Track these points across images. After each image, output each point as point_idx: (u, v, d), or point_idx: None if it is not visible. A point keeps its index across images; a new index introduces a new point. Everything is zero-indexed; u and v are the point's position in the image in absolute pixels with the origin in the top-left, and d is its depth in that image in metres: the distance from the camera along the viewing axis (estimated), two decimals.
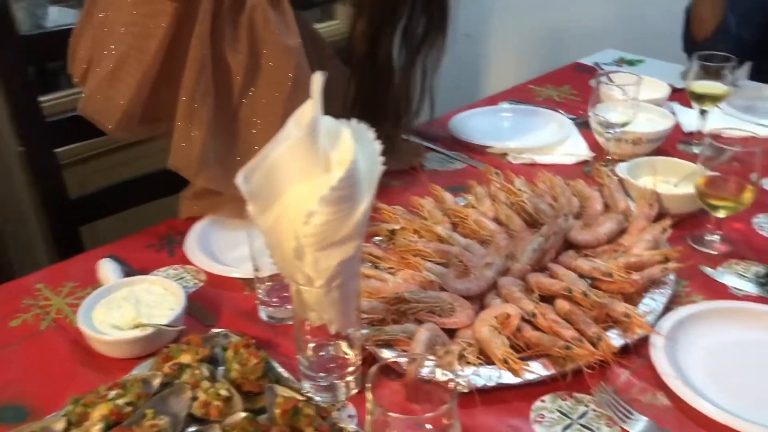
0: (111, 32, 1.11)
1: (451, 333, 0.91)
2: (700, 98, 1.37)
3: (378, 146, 0.74)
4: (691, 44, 1.67)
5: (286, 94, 1.11)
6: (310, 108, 0.72)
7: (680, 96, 1.55)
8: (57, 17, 1.81)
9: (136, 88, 1.09)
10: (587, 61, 1.92)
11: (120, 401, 0.78)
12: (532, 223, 1.13)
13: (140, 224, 1.24)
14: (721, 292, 1.01)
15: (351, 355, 0.84)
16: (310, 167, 0.72)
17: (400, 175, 1.33)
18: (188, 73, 1.07)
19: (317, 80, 0.72)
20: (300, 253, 0.73)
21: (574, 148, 1.43)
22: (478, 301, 0.96)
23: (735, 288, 1.02)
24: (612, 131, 1.30)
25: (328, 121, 0.74)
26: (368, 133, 0.76)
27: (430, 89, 1.32)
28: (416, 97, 1.32)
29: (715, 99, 1.36)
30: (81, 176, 1.81)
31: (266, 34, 1.10)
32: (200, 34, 1.06)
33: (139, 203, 1.44)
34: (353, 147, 0.71)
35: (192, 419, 0.79)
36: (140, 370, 0.86)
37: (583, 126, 1.50)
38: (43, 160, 1.31)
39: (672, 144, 1.43)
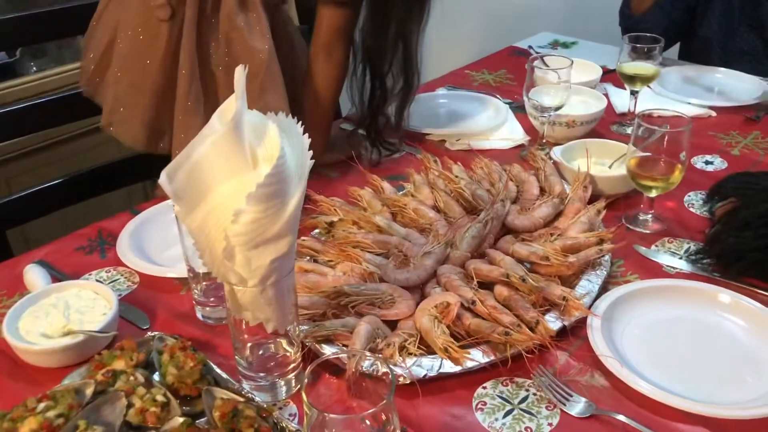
0: (118, 56, 1.21)
1: (392, 324, 0.90)
2: (632, 79, 1.39)
3: (307, 140, 0.73)
4: (629, 19, 1.70)
5: (255, 96, 1.14)
6: (234, 102, 0.70)
7: (613, 77, 1.57)
8: None
9: (150, 108, 1.21)
10: (522, 44, 1.93)
11: (50, 413, 0.75)
12: (471, 209, 1.13)
13: (69, 225, 1.20)
14: (655, 270, 1.03)
15: (291, 352, 0.83)
16: (236, 164, 0.70)
17: (337, 165, 1.32)
18: (180, 85, 1.17)
19: (240, 73, 0.70)
20: (230, 253, 0.71)
21: (510, 133, 1.44)
22: (419, 290, 0.96)
23: (668, 266, 1.04)
24: (546, 115, 1.32)
25: (254, 115, 0.72)
26: (296, 126, 0.74)
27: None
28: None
29: (645, 80, 1.39)
30: (6, 176, 1.74)
31: (235, 35, 1.17)
32: (186, 47, 1.16)
33: (68, 204, 1.39)
34: (280, 142, 0.69)
35: (128, 427, 0.77)
36: (71, 380, 0.83)
37: (519, 110, 1.51)
38: None
39: (605, 125, 1.45)
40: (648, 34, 1.38)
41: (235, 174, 0.70)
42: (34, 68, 1.85)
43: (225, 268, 0.73)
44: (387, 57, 1.28)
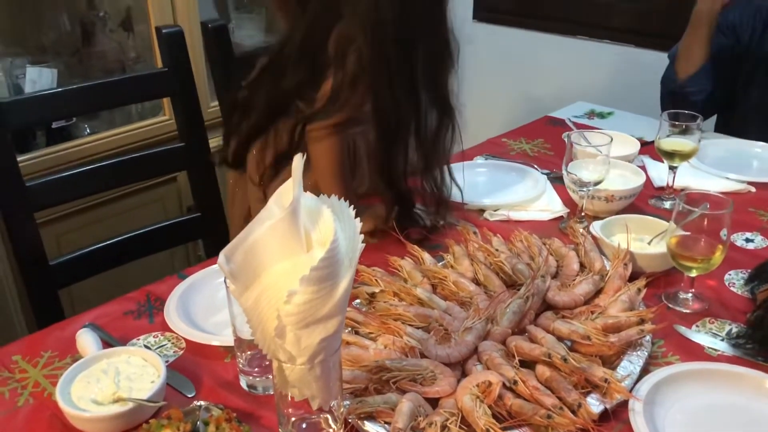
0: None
1: (433, 401, 0.91)
2: (670, 155, 1.41)
3: (358, 224, 0.76)
4: (673, 83, 1.74)
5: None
6: (292, 188, 0.73)
7: (650, 149, 1.59)
8: (35, 77, 1.82)
9: None
10: (559, 114, 1.96)
11: None
12: (511, 283, 1.15)
13: (118, 283, 1.24)
14: (696, 352, 1.03)
15: (334, 428, 0.84)
16: (292, 246, 0.73)
17: (377, 233, 1.34)
18: None
19: (298, 160, 0.73)
20: (282, 331, 0.74)
21: (549, 204, 1.46)
22: (460, 367, 0.97)
23: (710, 348, 1.04)
24: (585, 189, 1.33)
25: (309, 199, 0.76)
26: (349, 210, 0.77)
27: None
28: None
29: (684, 156, 1.40)
30: (56, 234, 1.80)
31: None
32: None
33: (117, 266, 1.44)
34: (334, 226, 0.72)
35: None
36: None
37: (557, 181, 1.53)
38: (23, 225, 1.31)
39: (644, 199, 1.46)
40: (686, 112, 1.40)
41: (289, 256, 0.73)
42: (88, 131, 1.93)
43: (275, 345, 0.75)
44: (421, 121, 1.27)
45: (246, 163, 1.41)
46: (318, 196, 0.77)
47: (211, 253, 2.11)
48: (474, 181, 1.58)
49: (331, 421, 0.84)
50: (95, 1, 2.15)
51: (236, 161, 1.42)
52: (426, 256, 1.22)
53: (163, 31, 1.49)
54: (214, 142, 1.59)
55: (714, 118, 1.91)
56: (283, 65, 1.31)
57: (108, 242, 1.44)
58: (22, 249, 1.31)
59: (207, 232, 1.63)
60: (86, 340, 1.04)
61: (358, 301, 1.12)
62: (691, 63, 1.71)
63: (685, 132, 1.39)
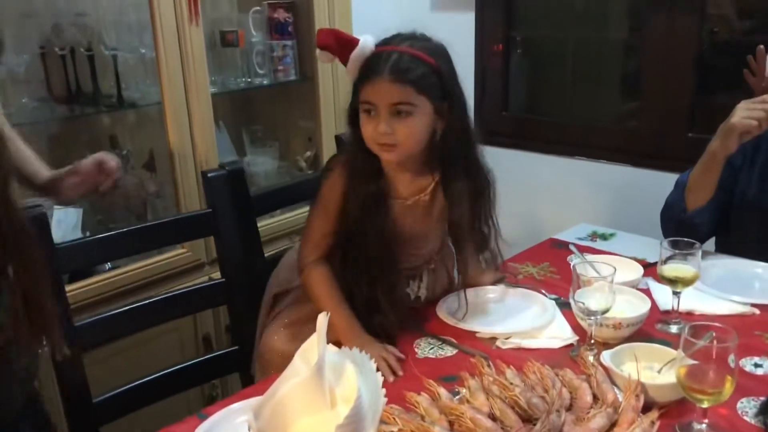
0: None
1: None
2: (673, 282, 1.45)
3: (380, 378, 0.80)
4: (683, 212, 1.77)
5: None
6: (317, 344, 0.78)
7: (653, 271, 1.63)
8: (62, 217, 1.91)
9: None
10: (562, 236, 2.03)
11: None
12: (526, 417, 1.17)
13: (136, 423, 1.27)
14: None
15: None
16: (317, 403, 0.77)
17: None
18: None
19: (323, 319, 0.79)
20: None
21: (559, 332, 1.49)
22: None
23: None
24: (594, 318, 1.37)
25: (333, 354, 0.80)
26: (370, 363, 0.81)
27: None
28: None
29: (686, 282, 1.45)
30: None
31: None
32: None
33: (157, 401, 1.50)
34: (357, 382, 0.77)
35: None
36: None
37: (566, 306, 1.56)
38: (70, 364, 1.36)
39: (650, 323, 1.49)
40: (685, 240, 1.46)
41: (314, 412, 0.77)
42: (109, 265, 2.00)
43: None
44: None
45: None
46: None
47: (226, 390, 2.14)
48: (484, 309, 1.62)
49: None
50: (119, 141, 2.28)
51: None
52: (442, 392, 1.24)
53: (209, 174, 1.63)
54: None
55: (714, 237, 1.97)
56: None
57: (146, 379, 1.52)
58: (68, 387, 1.36)
59: (242, 366, 1.69)
60: None
61: None
62: (701, 197, 1.75)
63: (685, 258, 1.45)
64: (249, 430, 0.90)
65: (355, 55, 1.41)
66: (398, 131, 1.38)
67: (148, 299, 1.59)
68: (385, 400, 0.79)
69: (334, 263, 1.51)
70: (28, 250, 1.10)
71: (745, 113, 1.61)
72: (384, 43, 1.42)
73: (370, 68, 1.39)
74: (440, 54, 1.43)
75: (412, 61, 1.38)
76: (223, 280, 1.68)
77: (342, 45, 1.42)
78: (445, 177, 1.49)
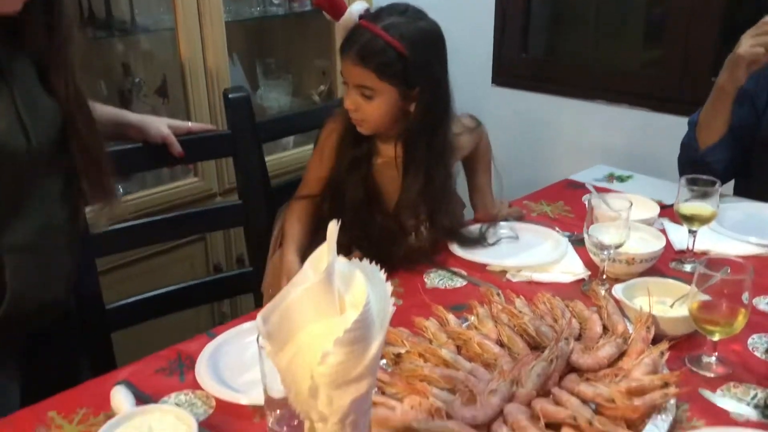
0: None
1: None
2: (690, 219, 1.43)
3: (389, 287, 0.79)
4: (695, 152, 1.75)
5: None
6: (327, 253, 0.77)
7: (670, 212, 1.61)
8: None
9: None
10: (578, 177, 2.00)
11: None
12: (535, 345, 1.16)
13: (147, 341, 1.29)
14: (722, 417, 1.03)
15: None
16: (326, 308, 0.76)
17: (403, 294, 1.37)
18: None
19: (333, 228, 0.77)
20: (315, 391, 0.76)
21: (570, 267, 1.48)
22: (486, 428, 0.98)
23: (735, 413, 1.04)
24: (606, 252, 1.36)
25: (343, 264, 0.79)
26: (380, 273, 0.80)
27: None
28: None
29: (703, 220, 1.43)
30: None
31: None
32: None
33: (169, 313, 1.56)
34: (366, 289, 0.76)
35: None
36: None
37: (579, 243, 1.55)
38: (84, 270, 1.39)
39: (664, 262, 1.48)
40: (704, 177, 1.43)
41: (323, 317, 0.76)
42: (121, 191, 2.00)
43: (308, 405, 0.77)
44: None
45: None
46: None
47: (236, 312, 2.16)
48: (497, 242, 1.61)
49: None
50: (132, 69, 2.25)
51: None
52: (450, 317, 1.24)
53: (230, 95, 1.63)
54: None
55: (733, 181, 1.94)
56: None
57: (161, 291, 1.56)
58: (81, 291, 1.38)
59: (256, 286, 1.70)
60: (121, 397, 1.06)
61: (384, 361, 1.14)
62: (712, 134, 1.73)
63: (704, 196, 1.42)
64: (258, 341, 0.90)
65: (341, 23, 1.43)
66: (362, 109, 1.43)
67: (167, 215, 1.61)
68: (394, 309, 0.78)
69: (323, 207, 1.57)
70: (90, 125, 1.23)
71: (751, 41, 1.57)
72: (369, 18, 1.41)
73: (347, 43, 1.41)
74: (419, 39, 1.40)
75: (380, 46, 1.38)
76: (240, 202, 1.70)
77: (334, 8, 1.43)
78: (406, 149, 1.49)
